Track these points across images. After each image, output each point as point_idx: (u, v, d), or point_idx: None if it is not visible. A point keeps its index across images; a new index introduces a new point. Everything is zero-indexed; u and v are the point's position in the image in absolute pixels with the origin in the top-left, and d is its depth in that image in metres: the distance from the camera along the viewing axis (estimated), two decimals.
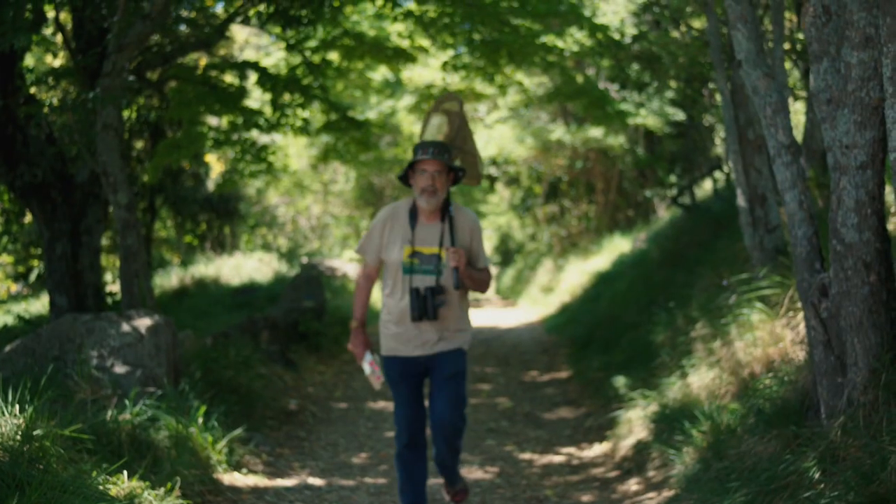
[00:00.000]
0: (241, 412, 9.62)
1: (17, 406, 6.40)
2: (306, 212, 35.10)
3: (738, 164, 10.67)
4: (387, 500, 7.77)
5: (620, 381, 10.99)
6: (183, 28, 15.32)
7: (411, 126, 28.25)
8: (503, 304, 30.76)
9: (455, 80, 21.19)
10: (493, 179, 32.58)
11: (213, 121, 19.44)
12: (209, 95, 15.43)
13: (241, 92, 16.28)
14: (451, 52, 17.42)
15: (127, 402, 7.75)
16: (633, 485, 8.03)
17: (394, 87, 26.27)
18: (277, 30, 15.03)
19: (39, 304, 19.44)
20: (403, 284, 6.52)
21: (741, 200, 10.50)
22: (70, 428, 6.61)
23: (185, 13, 14.65)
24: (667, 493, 7.41)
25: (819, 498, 5.22)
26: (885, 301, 5.75)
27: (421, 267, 6.49)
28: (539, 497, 7.92)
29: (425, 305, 6.44)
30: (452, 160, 6.55)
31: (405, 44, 16.83)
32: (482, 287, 6.69)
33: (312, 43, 15.95)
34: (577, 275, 24.20)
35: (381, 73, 23.08)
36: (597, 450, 9.54)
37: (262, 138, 21.66)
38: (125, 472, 6.62)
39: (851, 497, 4.98)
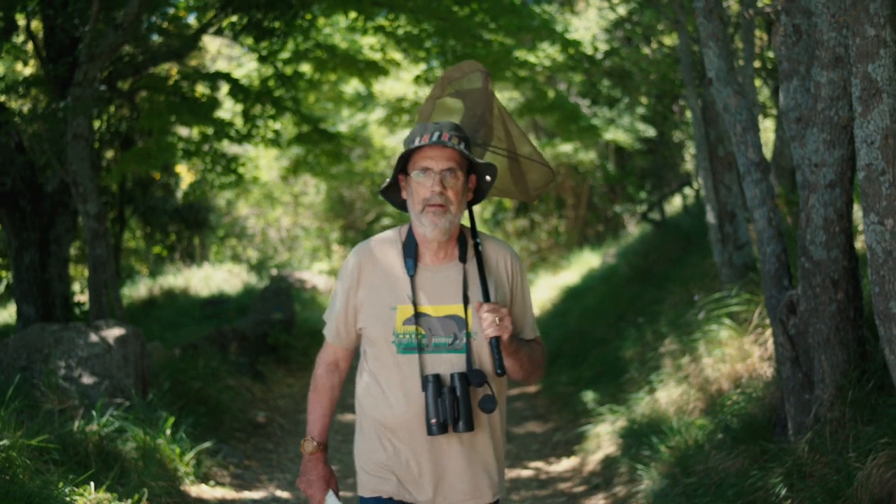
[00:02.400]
0: (209, 424, 9.58)
1: None
2: (276, 223, 34.98)
3: (707, 181, 10.73)
4: None
5: (589, 396, 11.01)
6: (155, 38, 15.29)
7: (383, 139, 28.24)
8: None
9: (427, 94, 21.19)
10: None
11: (183, 131, 19.37)
12: (180, 106, 15.39)
13: (213, 103, 16.23)
14: (423, 66, 17.44)
15: (94, 412, 7.71)
16: (600, 500, 8.05)
17: (365, 100, 26.24)
18: (250, 41, 14.99)
19: (6, 314, 19.31)
20: (403, 373, 3.83)
21: (711, 217, 10.56)
22: (37, 438, 6.57)
23: (157, 22, 14.62)
24: None
25: None
26: (852, 318, 5.80)
27: (432, 340, 3.82)
28: None
29: (455, 406, 3.72)
30: (474, 151, 4.01)
31: (377, 57, 16.84)
32: (534, 373, 3.98)
33: (285, 55, 15.94)
34: (547, 289, 24.23)
35: (352, 85, 23.05)
36: (565, 464, 9.55)
37: (233, 149, 21.61)
38: (92, 484, 6.58)
39: None
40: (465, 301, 3.82)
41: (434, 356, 3.79)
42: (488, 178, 3.91)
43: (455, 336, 3.81)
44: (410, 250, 3.87)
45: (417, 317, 3.81)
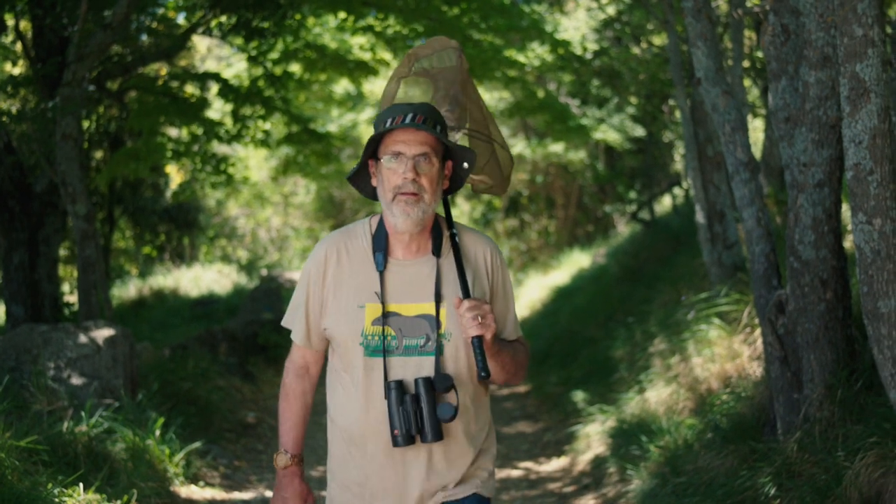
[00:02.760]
0: (198, 424, 9.56)
1: None
2: (266, 224, 34.94)
3: (697, 181, 10.74)
4: None
5: (579, 396, 11.01)
6: (144, 38, 15.26)
7: None
8: None
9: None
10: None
11: (173, 131, 19.35)
12: (169, 106, 15.37)
13: (202, 103, 16.22)
14: None
15: (83, 413, 7.69)
16: (590, 500, 8.04)
17: (355, 100, 26.24)
18: (239, 41, 14.98)
19: None
20: (369, 378, 3.48)
21: (700, 217, 10.57)
22: (26, 439, 6.55)
23: (146, 22, 14.60)
24: None
25: None
26: (840, 318, 5.81)
27: (403, 342, 3.47)
28: None
29: (418, 415, 3.39)
30: (450, 135, 3.67)
31: (367, 57, 16.84)
32: (516, 375, 3.62)
33: (274, 54, 15.92)
34: (537, 289, 24.23)
35: (342, 85, 23.04)
36: (554, 464, 9.55)
37: (223, 149, 21.59)
38: (81, 485, 6.56)
39: None
40: (438, 299, 3.46)
41: (402, 359, 3.45)
42: (466, 164, 3.54)
43: (427, 337, 3.45)
44: (380, 243, 3.49)
45: (386, 316, 3.45)
